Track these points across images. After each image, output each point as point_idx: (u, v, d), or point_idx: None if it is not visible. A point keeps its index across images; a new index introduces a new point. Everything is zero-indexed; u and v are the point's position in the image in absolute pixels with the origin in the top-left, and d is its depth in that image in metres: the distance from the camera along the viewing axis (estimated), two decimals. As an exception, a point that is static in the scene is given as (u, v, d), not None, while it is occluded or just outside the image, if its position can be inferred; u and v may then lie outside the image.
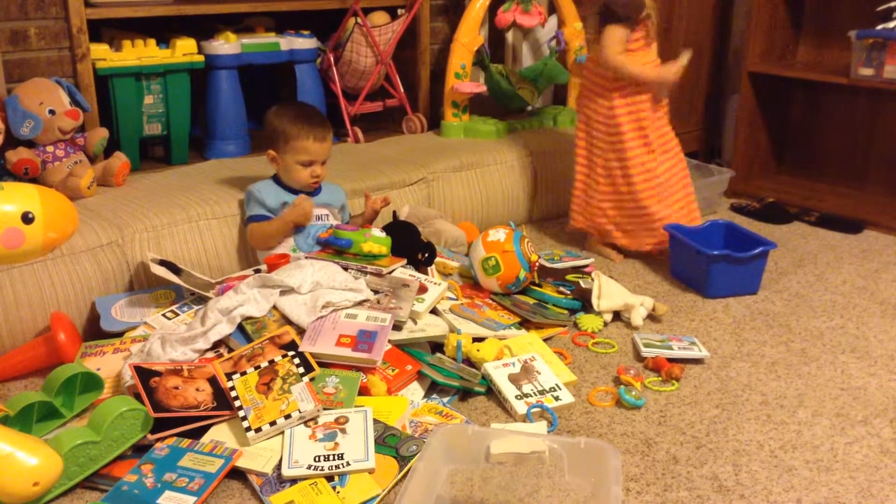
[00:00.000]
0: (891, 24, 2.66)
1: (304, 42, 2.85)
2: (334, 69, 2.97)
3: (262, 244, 2.16)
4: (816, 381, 1.87)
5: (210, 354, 1.77)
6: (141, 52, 2.48)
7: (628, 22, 2.34)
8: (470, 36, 2.98)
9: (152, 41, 2.50)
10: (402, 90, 3.13)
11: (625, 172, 2.47)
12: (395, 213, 2.41)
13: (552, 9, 3.26)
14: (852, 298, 2.31)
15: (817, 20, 3.18)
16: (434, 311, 2.01)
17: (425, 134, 3.12)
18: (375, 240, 2.06)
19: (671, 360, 1.90)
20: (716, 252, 2.28)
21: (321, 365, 1.73)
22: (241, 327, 1.80)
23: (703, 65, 3.38)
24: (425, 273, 2.14)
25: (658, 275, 2.47)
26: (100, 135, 2.37)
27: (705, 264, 2.28)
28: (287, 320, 1.82)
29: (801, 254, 2.63)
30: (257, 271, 2.04)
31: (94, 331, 1.96)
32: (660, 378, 1.87)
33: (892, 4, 2.68)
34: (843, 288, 2.38)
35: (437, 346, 1.93)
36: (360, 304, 1.89)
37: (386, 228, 2.18)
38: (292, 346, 1.73)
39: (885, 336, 2.09)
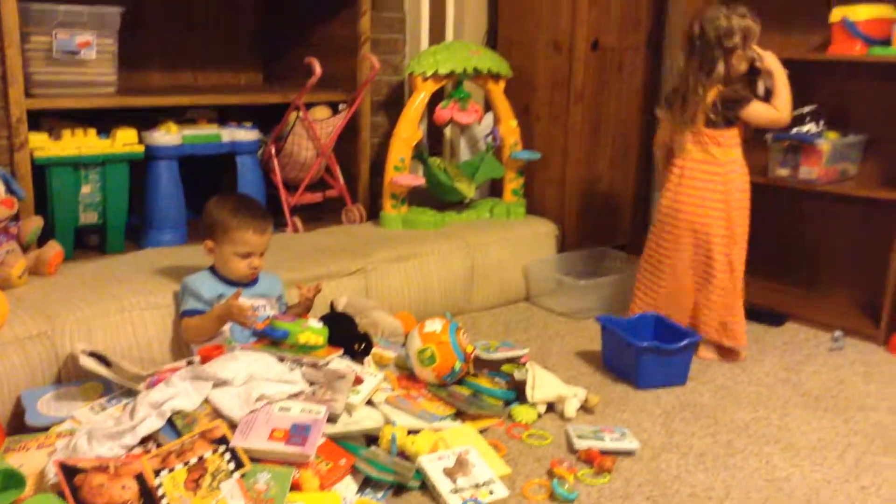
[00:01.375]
0: (804, 128, 2.84)
1: (245, 134, 2.90)
2: (275, 160, 3.02)
3: (195, 339, 2.15)
4: (742, 473, 1.92)
5: (138, 450, 1.73)
6: (80, 142, 2.49)
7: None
8: (409, 131, 3.08)
9: (93, 131, 2.52)
10: (342, 181, 3.19)
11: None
12: (332, 303, 2.43)
13: (488, 106, 3.39)
14: (776, 390, 2.39)
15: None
16: (369, 403, 2.01)
17: (364, 224, 3.17)
18: (312, 331, 2.07)
19: (603, 452, 1.93)
20: (645, 344, 2.35)
21: (253, 460, 1.70)
22: (170, 422, 1.77)
23: (631, 162, 3.53)
24: (362, 364, 2.14)
25: (591, 365, 2.52)
26: (34, 224, 2.35)
27: (635, 355, 2.34)
28: (219, 414, 1.80)
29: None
30: (190, 363, 2.02)
31: (19, 425, 1.90)
32: (592, 470, 1.90)
33: (805, 110, 2.86)
34: (767, 380, 2.46)
35: (372, 438, 1.92)
36: (294, 396, 1.88)
37: (323, 319, 2.19)
38: (223, 440, 1.71)
39: (807, 427, 2.16)
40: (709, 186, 2.54)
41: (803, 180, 2.82)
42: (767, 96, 2.54)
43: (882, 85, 2.93)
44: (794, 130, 2.82)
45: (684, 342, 2.37)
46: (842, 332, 2.75)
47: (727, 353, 2.61)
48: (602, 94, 3.35)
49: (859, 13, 2.76)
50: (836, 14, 2.81)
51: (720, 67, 2.47)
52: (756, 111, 2.50)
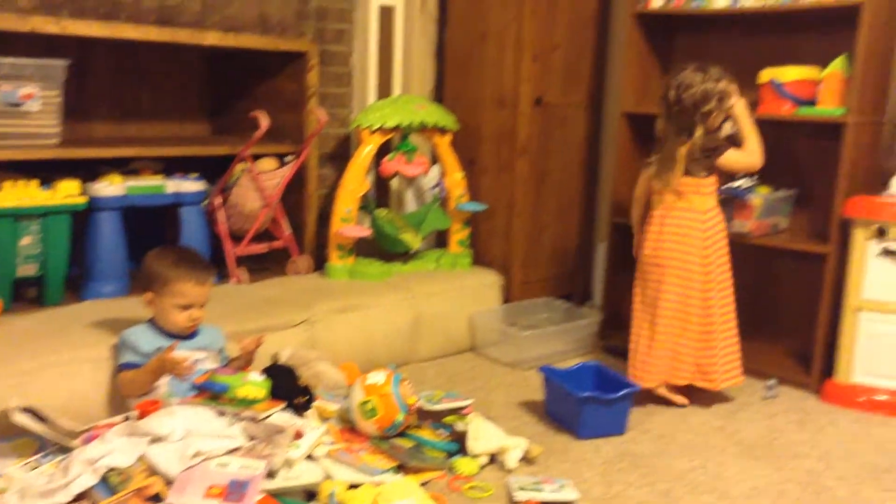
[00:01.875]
0: (736, 184, 2.94)
1: (190, 185, 2.90)
2: (220, 211, 3.02)
3: (131, 393, 2.12)
4: (678, 522, 1.96)
5: (71, 508, 1.70)
6: (21, 193, 2.47)
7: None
8: (356, 183, 3.11)
9: (35, 182, 2.50)
10: (288, 232, 3.20)
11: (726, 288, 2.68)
12: (274, 355, 2.43)
13: (435, 159, 3.45)
14: (711, 438, 2.44)
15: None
16: (310, 457, 2.00)
17: (310, 275, 3.18)
18: (253, 384, 2.06)
19: (542, 504, 1.95)
20: (585, 394, 2.39)
21: (189, 517, 1.69)
22: (105, 479, 1.74)
23: (574, 215, 3.61)
24: (303, 417, 2.14)
25: (534, 415, 2.55)
26: (-29, 275, 2.32)
27: (576, 405, 2.38)
28: (155, 470, 1.78)
29: (666, 394, 2.77)
30: (127, 418, 2.00)
31: (-53, 484, 1.86)
32: (531, 522, 1.91)
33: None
34: (703, 428, 2.51)
35: (311, 493, 1.91)
36: (233, 451, 1.87)
37: (265, 371, 2.18)
38: (158, 498, 1.69)
39: (742, 475, 2.21)
40: (690, 233, 2.62)
41: (736, 233, 2.91)
42: (732, 140, 2.65)
43: (810, 142, 3.07)
44: (727, 185, 2.92)
45: (623, 391, 2.42)
46: (776, 381, 2.83)
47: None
48: (546, 147, 3.44)
49: (787, 74, 2.90)
50: (765, 75, 2.94)
51: (698, 132, 2.58)
52: (732, 157, 2.61)
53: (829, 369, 2.80)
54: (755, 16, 2.99)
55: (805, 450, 2.38)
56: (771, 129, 3.11)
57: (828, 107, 2.81)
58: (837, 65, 2.80)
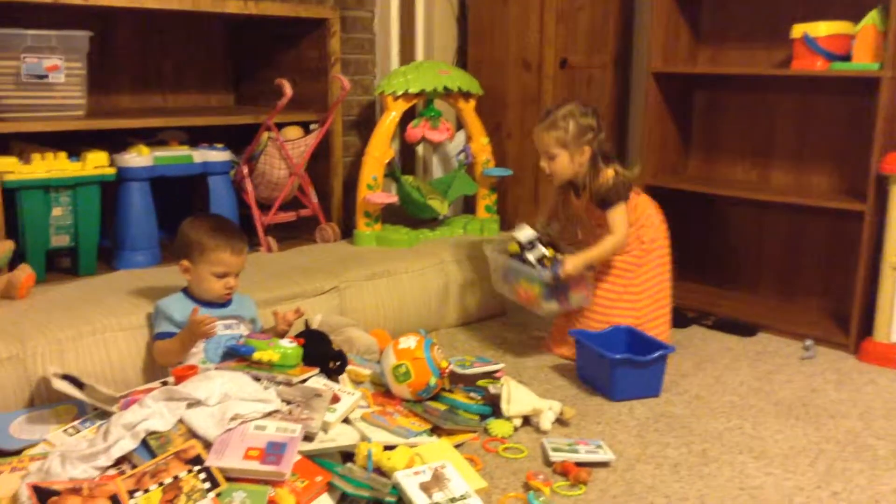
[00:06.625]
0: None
1: (217, 155, 2.90)
2: (248, 180, 3.02)
3: (167, 362, 2.14)
4: (716, 482, 1.94)
5: (112, 472, 1.71)
6: (51, 165, 2.48)
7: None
8: (381, 149, 3.09)
9: (63, 154, 2.50)
10: (315, 200, 3.20)
11: None
12: (306, 322, 2.43)
13: (460, 124, 3.42)
14: (748, 399, 2.41)
15: (704, 137, 3.43)
16: (345, 420, 2.01)
17: (338, 243, 3.17)
18: (277, 349, 2.06)
19: (578, 464, 1.94)
20: (618, 356, 2.37)
21: (228, 479, 1.69)
22: (145, 442, 1.76)
23: (604, 177, 3.57)
24: (337, 382, 2.14)
25: (566, 379, 2.53)
26: (5, 247, 2.34)
27: (609, 368, 2.36)
28: (194, 434, 1.79)
29: (699, 357, 2.75)
30: (164, 384, 2.01)
31: (-10, 449, 1.88)
32: (568, 482, 1.91)
33: None
34: (741, 389, 2.49)
35: (347, 455, 1.92)
36: (270, 415, 1.88)
37: (299, 336, 2.18)
38: (198, 460, 1.70)
39: (780, 436, 2.19)
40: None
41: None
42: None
43: (844, 98, 3.01)
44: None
45: (657, 353, 2.40)
46: (813, 342, 2.79)
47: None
48: (572, 110, 3.39)
49: (820, 29, 2.83)
50: (798, 30, 2.88)
51: None
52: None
53: (867, 329, 2.75)
54: (787, -31, 2.93)
55: (844, 409, 2.35)
56: (804, 85, 3.05)
57: (862, 61, 2.74)
58: (871, 18, 2.73)
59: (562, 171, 2.60)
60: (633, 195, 2.63)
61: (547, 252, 2.58)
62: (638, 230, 2.65)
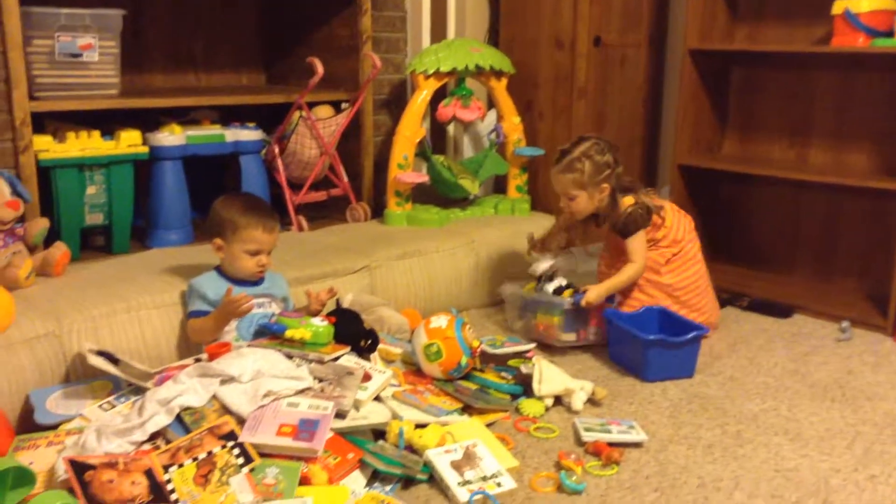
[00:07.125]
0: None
1: (249, 134, 2.90)
2: (279, 160, 3.03)
3: (201, 340, 2.15)
4: (751, 464, 1.92)
5: (147, 446, 1.74)
6: (84, 144, 2.50)
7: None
8: (412, 129, 3.08)
9: (96, 133, 2.52)
10: (346, 180, 3.19)
11: None
12: (338, 300, 2.43)
13: (491, 103, 3.39)
14: (784, 381, 2.38)
15: (741, 116, 3.37)
16: (377, 398, 2.01)
17: (369, 222, 3.17)
18: (309, 326, 2.07)
19: (611, 444, 1.93)
20: (652, 337, 2.35)
21: (262, 455, 1.71)
22: (179, 418, 1.78)
23: (636, 158, 3.53)
24: (368, 360, 2.15)
25: (598, 359, 2.52)
26: (40, 225, 2.36)
27: (642, 349, 2.34)
28: (227, 410, 1.80)
29: (734, 338, 2.71)
30: (198, 360, 2.03)
31: (28, 424, 1.91)
32: (600, 462, 1.90)
33: None
34: (775, 371, 2.45)
35: (379, 433, 1.92)
36: (302, 392, 1.89)
37: (331, 314, 2.19)
38: (232, 436, 1.71)
39: (815, 418, 2.15)
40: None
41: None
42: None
43: (885, 75, 2.93)
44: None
45: (691, 335, 2.37)
46: (849, 323, 2.74)
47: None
48: (605, 89, 3.35)
49: (861, 4, 2.76)
50: (839, 6, 2.81)
51: None
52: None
53: (906, 311, 2.70)
54: (828, -58, 2.85)
55: (882, 391, 2.31)
56: (844, 63, 2.98)
57: (905, 37, 2.67)
58: (916, -8, 2.66)
59: (582, 210, 2.61)
60: (657, 217, 2.60)
61: (564, 282, 2.58)
62: (674, 235, 2.64)
